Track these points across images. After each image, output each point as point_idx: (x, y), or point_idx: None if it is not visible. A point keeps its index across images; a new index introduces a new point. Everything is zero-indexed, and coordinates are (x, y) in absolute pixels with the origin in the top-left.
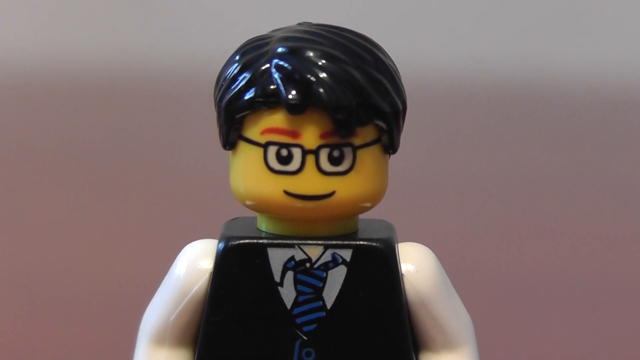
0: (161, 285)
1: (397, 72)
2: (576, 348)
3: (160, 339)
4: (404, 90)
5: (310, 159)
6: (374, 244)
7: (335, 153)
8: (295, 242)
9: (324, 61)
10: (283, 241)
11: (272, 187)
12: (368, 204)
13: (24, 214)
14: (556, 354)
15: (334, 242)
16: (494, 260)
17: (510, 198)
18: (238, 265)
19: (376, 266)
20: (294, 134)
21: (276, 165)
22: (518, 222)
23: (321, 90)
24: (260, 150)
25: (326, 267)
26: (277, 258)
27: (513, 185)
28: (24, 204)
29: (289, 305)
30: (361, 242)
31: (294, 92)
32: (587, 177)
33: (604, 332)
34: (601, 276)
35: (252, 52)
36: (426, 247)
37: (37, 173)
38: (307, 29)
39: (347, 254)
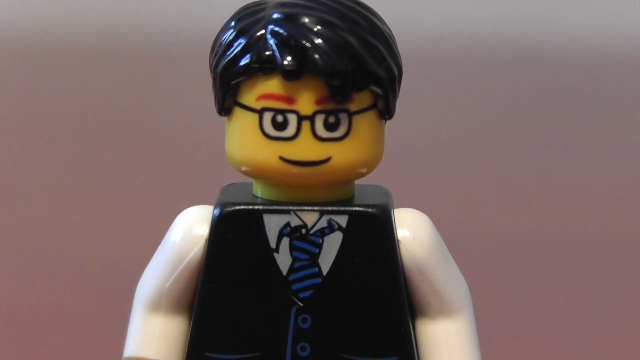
0: (156, 252)
1: (392, 37)
2: (572, 311)
3: (156, 306)
4: (400, 55)
5: (305, 124)
6: (370, 210)
7: (331, 119)
8: (290, 208)
9: (319, 27)
10: (279, 207)
11: (267, 153)
12: (364, 170)
13: (19, 179)
14: (552, 318)
15: (329, 208)
16: (490, 225)
17: (507, 162)
18: (234, 232)
19: (372, 232)
20: (290, 100)
21: (272, 131)
22: (514, 186)
23: (317, 56)
24: (255, 116)
25: (322, 233)
26: (272, 224)
27: (509, 149)
28: (19, 170)
29: (284, 272)
30: (357, 208)
31: (289, 58)
32: (586, 140)
33: (600, 295)
34: (597, 239)
35: (248, 18)
36: (422, 213)
37: (32, 137)
38: None
39: (342, 220)
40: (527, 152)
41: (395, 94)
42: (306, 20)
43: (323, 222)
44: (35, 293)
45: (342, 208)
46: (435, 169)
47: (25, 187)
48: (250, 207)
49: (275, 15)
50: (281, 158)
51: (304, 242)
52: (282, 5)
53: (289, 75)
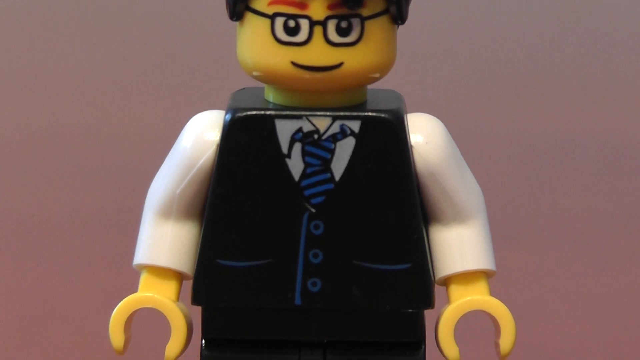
0: (167, 158)
1: None
2: (586, 214)
3: (167, 212)
4: None
5: (317, 30)
6: (383, 115)
7: (343, 24)
8: (303, 113)
9: None
10: (291, 112)
11: (279, 59)
12: (377, 75)
13: (26, 71)
14: (567, 220)
15: (342, 114)
16: (504, 130)
17: (521, 62)
18: (245, 137)
19: (385, 137)
20: (302, 5)
21: (283, 37)
22: (529, 87)
23: None
24: (267, 22)
25: (334, 138)
26: (284, 129)
27: (524, 48)
28: (27, 60)
29: (296, 177)
30: (370, 114)
31: None
32: (603, 37)
33: (615, 197)
34: (613, 140)
35: None
36: (436, 118)
37: (43, 29)
38: None
39: (355, 126)
40: (542, 52)
41: None
42: None
43: (335, 128)
44: (46, 195)
45: (354, 113)
46: (449, 74)
47: (34, 79)
48: (262, 112)
49: None
50: (293, 63)
51: (316, 147)
52: None
53: None
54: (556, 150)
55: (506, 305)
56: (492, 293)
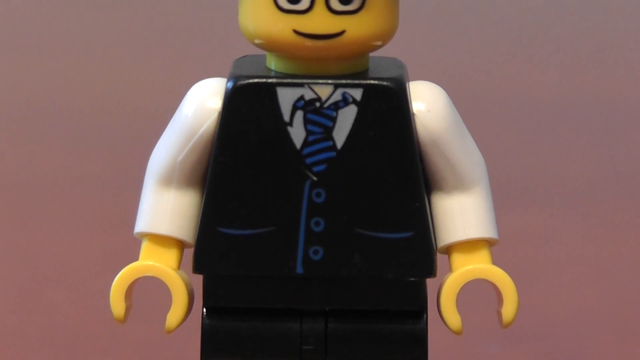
0: (168, 125)
1: None
2: (590, 175)
3: (168, 180)
4: None
5: None
6: (385, 83)
7: None
8: (305, 81)
9: None
10: (292, 80)
11: (281, 26)
12: (379, 43)
13: (27, 32)
14: (569, 184)
15: (344, 82)
16: (506, 97)
17: (522, 26)
18: (247, 105)
19: (387, 105)
20: None
21: (285, 4)
22: (528, 51)
23: None
24: None
25: (336, 106)
26: (286, 97)
27: (524, 11)
28: (28, 21)
29: (298, 145)
30: (371, 82)
31: None
32: None
33: (621, 158)
34: (619, 100)
35: None
36: (438, 86)
37: None
38: None
39: (357, 93)
40: (542, 14)
41: None
42: None
43: (337, 96)
44: (47, 158)
45: (356, 81)
46: (451, 41)
47: (38, 46)
48: (264, 80)
49: None
50: (295, 31)
51: (318, 115)
52: None
53: None
54: (556, 112)
55: (508, 271)
56: (494, 258)
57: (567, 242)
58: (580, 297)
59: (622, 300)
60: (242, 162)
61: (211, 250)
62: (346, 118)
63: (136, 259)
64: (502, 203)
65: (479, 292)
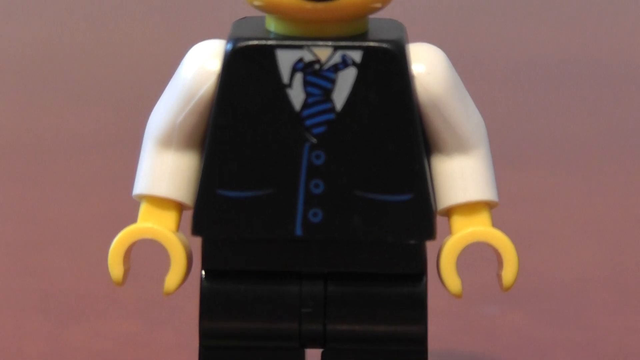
0: (167, 87)
1: None
2: (588, 135)
3: (167, 142)
4: None
5: None
6: (384, 45)
7: None
8: (304, 43)
9: None
10: (292, 42)
11: None
12: (378, 5)
13: None
14: (569, 144)
15: (343, 44)
16: (506, 58)
17: None
18: (246, 67)
19: (386, 67)
20: None
21: None
22: (530, 12)
23: None
24: None
25: (336, 68)
26: (285, 59)
27: None
28: None
29: (297, 108)
30: (371, 44)
31: None
32: None
33: (620, 117)
34: (618, 59)
35: None
36: (437, 48)
37: None
38: None
39: (357, 56)
40: None
41: None
42: None
43: (337, 58)
44: (46, 118)
45: (356, 43)
46: (451, 2)
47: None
48: (264, 42)
49: None
50: None
51: (318, 77)
52: None
53: None
54: (556, 72)
55: (508, 232)
56: (494, 218)
57: (567, 203)
58: (580, 258)
59: (621, 261)
60: (241, 124)
61: (210, 212)
62: (346, 80)
63: (134, 221)
64: (501, 164)
65: (478, 253)
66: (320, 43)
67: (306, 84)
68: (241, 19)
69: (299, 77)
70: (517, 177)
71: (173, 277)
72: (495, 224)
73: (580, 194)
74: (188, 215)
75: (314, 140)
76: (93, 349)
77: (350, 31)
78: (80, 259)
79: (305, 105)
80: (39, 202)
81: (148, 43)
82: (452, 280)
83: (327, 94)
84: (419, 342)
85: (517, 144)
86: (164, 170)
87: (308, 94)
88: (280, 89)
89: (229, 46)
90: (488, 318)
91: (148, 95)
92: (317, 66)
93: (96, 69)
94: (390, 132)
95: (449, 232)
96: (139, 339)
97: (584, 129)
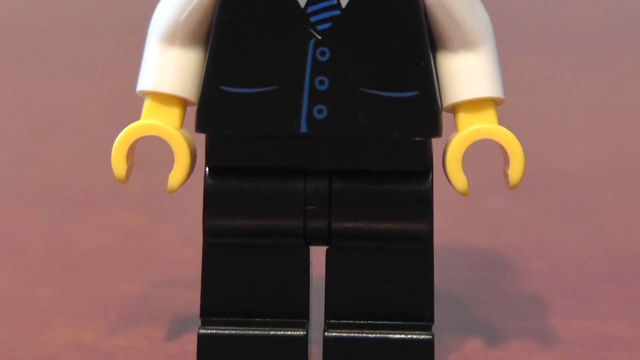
0: None
1: None
2: (594, 22)
3: (171, 38)
4: None
5: None
6: None
7: None
8: None
9: None
10: None
11: None
12: None
13: None
14: (574, 30)
15: None
16: None
17: None
18: None
19: None
20: None
21: None
22: None
23: None
24: None
25: None
26: None
27: None
28: None
29: (302, 4)
30: None
31: None
32: None
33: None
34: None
35: None
36: None
37: None
38: None
39: None
40: None
41: None
42: None
43: None
44: (51, 4)
45: None
46: None
47: None
48: None
49: None
50: None
51: None
52: None
53: None
54: None
55: (513, 121)
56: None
57: (572, 90)
58: (586, 146)
59: (626, 150)
60: (245, 20)
61: (214, 109)
62: None
63: (138, 117)
64: (506, 51)
65: (482, 146)
66: None
67: None
68: None
69: None
70: (521, 63)
71: (177, 174)
72: (500, 110)
73: (585, 80)
74: (192, 111)
75: (319, 36)
76: (97, 242)
77: None
78: (84, 151)
79: (310, 1)
80: (40, 91)
81: None
82: (458, 177)
83: None
84: (425, 239)
85: (520, 30)
86: (168, 67)
87: None
88: None
89: None
90: (494, 212)
91: None
92: None
93: None
94: (396, 28)
95: (455, 129)
96: (143, 233)
97: (587, 16)
